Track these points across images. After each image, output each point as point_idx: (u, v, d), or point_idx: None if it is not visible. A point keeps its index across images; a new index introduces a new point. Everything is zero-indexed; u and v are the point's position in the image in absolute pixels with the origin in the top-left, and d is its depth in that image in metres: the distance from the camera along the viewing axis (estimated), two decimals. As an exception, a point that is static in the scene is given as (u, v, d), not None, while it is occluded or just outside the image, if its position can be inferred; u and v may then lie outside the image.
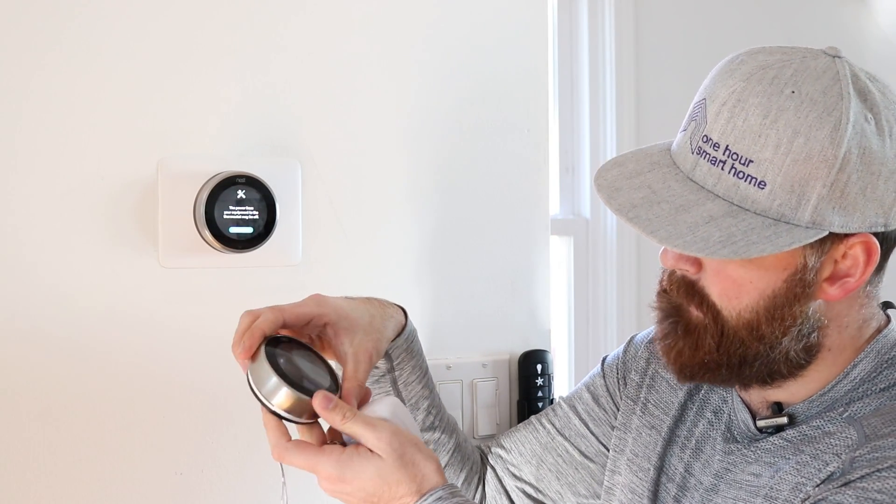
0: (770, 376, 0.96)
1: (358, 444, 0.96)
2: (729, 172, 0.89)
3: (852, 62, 0.92)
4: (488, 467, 1.23)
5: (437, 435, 1.16)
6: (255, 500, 1.20)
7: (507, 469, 1.21)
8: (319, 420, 0.98)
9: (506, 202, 1.34)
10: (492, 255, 1.34)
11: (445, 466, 1.17)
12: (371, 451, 0.95)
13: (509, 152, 1.34)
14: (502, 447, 1.22)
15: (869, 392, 0.95)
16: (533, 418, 1.23)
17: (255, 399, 0.97)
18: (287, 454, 0.96)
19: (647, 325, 1.16)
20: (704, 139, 0.91)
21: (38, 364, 1.10)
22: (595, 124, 2.40)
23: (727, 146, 0.89)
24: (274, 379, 0.96)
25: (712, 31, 2.56)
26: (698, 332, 0.95)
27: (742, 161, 0.88)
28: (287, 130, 1.21)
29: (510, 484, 1.20)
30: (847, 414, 0.94)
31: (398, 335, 1.12)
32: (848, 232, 0.89)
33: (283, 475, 1.00)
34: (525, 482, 1.20)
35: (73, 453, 1.12)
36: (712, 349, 0.95)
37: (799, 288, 0.91)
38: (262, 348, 0.97)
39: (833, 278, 0.92)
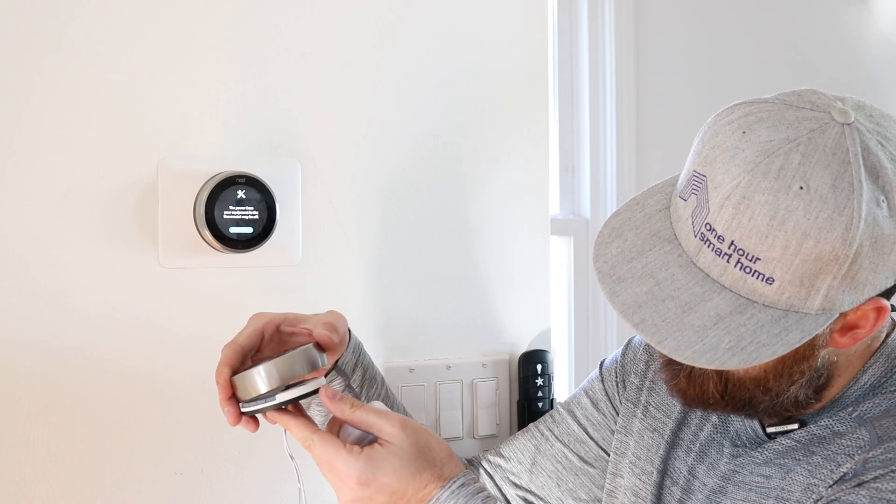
0: (776, 414, 0.96)
1: (368, 444, 0.96)
2: (735, 266, 0.85)
3: (863, 125, 0.86)
4: (484, 475, 1.22)
5: None
6: (255, 500, 1.20)
7: (507, 477, 1.21)
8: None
9: (506, 202, 1.34)
10: (492, 255, 1.34)
11: None
12: (384, 443, 0.94)
13: (509, 152, 1.34)
14: (501, 456, 1.22)
15: (879, 393, 0.95)
16: (531, 426, 1.23)
17: (261, 411, 0.97)
18: (315, 446, 0.94)
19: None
20: (708, 227, 0.86)
21: (37, 364, 1.10)
22: (595, 124, 2.40)
23: (732, 241, 0.84)
24: (254, 370, 0.95)
25: (712, 31, 2.56)
26: (702, 379, 0.95)
27: (749, 258, 0.84)
28: (287, 130, 1.21)
29: (510, 492, 1.20)
30: (857, 413, 0.94)
31: (345, 348, 1.10)
32: (858, 304, 0.87)
33: (300, 480, 0.99)
34: (525, 490, 1.20)
35: (73, 453, 1.12)
36: (716, 396, 0.94)
37: (809, 351, 0.90)
38: (234, 379, 0.97)
39: (844, 329, 0.90)
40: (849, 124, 0.85)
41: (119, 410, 1.14)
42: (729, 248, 0.85)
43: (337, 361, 1.09)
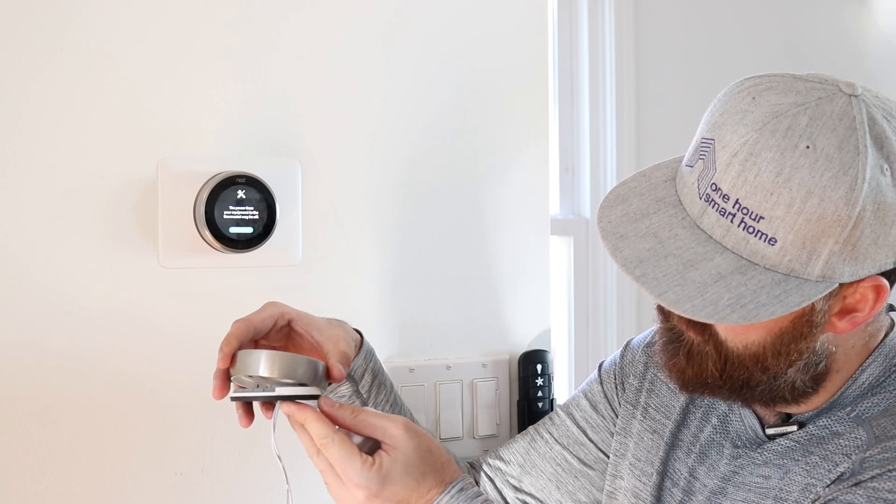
0: (773, 400, 0.96)
1: (369, 450, 0.95)
2: (739, 226, 0.86)
3: (869, 98, 0.88)
4: (485, 479, 1.22)
5: None
6: (255, 500, 1.20)
7: (507, 481, 1.21)
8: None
9: (506, 202, 1.34)
10: (492, 255, 1.34)
11: None
12: (389, 449, 0.94)
13: (509, 152, 1.34)
14: (501, 459, 1.22)
15: (877, 393, 0.95)
16: (530, 428, 1.23)
17: (254, 398, 0.97)
18: (333, 446, 0.93)
19: (647, 326, 1.16)
20: (713, 187, 0.87)
21: (37, 364, 1.10)
22: (595, 124, 2.41)
23: (737, 200, 0.86)
24: (261, 352, 0.95)
25: (712, 31, 2.56)
26: (701, 357, 0.95)
27: (753, 217, 0.85)
28: (287, 130, 1.21)
29: (510, 495, 1.20)
30: (855, 413, 0.94)
31: (357, 351, 1.10)
32: (858, 279, 0.87)
33: (287, 481, 1.00)
34: (525, 493, 1.20)
35: (73, 453, 1.12)
36: (715, 375, 0.94)
37: (807, 328, 0.90)
38: (239, 353, 0.97)
39: (842, 313, 0.90)
40: (856, 96, 0.87)
41: (119, 410, 1.14)
42: (734, 206, 0.86)
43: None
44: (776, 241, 0.85)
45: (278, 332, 1.05)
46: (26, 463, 1.10)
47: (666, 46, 2.50)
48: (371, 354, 1.13)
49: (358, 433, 0.96)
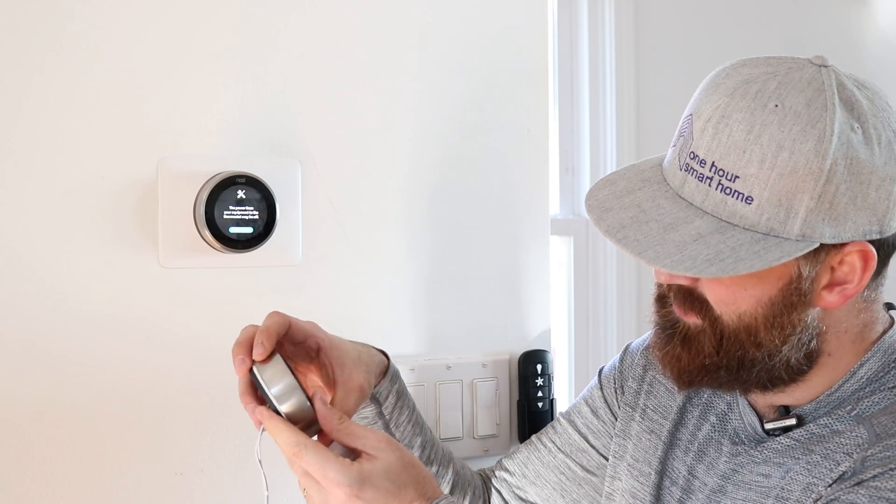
0: (770, 382, 0.96)
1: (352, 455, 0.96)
2: (716, 189, 0.89)
3: (840, 70, 0.91)
4: (494, 491, 1.23)
5: (434, 469, 1.16)
6: (255, 500, 1.20)
7: (513, 491, 1.21)
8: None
9: (506, 202, 1.34)
10: (492, 255, 1.34)
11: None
12: (370, 457, 0.94)
13: (509, 152, 1.34)
14: (506, 470, 1.22)
15: (877, 390, 0.95)
16: (534, 437, 1.23)
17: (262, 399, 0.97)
18: (306, 453, 0.93)
19: (646, 326, 1.16)
20: (691, 156, 0.91)
21: (37, 364, 1.10)
22: (595, 124, 2.40)
23: (713, 162, 0.89)
24: (290, 381, 0.95)
25: (712, 31, 2.56)
26: (697, 339, 0.95)
27: (728, 177, 0.88)
28: (287, 130, 1.21)
29: None
30: (856, 412, 0.94)
31: (383, 377, 1.11)
32: (841, 241, 0.88)
33: (267, 488, 0.99)
34: (530, 503, 1.20)
35: (73, 453, 1.12)
36: (712, 353, 0.95)
37: (795, 297, 0.91)
38: (277, 356, 0.97)
39: (831, 285, 0.91)
40: (825, 66, 0.91)
41: (119, 410, 1.14)
42: (710, 170, 0.89)
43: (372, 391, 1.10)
44: (752, 200, 0.87)
45: (304, 351, 1.05)
46: (26, 463, 1.10)
47: (666, 46, 2.50)
48: (396, 377, 1.14)
49: (339, 441, 0.95)
